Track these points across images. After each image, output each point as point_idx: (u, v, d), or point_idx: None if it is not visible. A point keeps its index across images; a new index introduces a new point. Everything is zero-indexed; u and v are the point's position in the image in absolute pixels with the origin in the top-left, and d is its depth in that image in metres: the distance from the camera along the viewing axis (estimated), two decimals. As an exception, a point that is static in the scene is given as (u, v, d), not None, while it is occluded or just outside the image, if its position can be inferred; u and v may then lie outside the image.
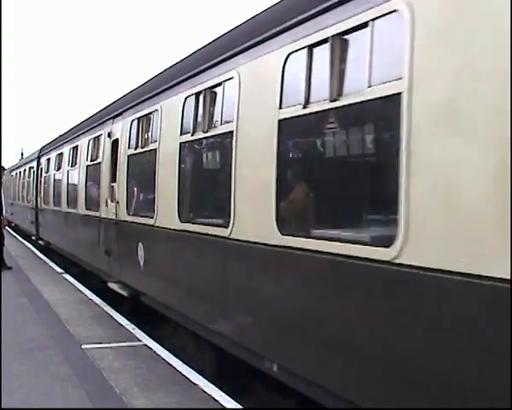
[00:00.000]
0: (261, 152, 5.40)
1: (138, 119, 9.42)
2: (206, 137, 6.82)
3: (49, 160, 19.30)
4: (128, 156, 9.77)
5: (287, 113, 5.03)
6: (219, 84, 6.54)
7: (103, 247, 11.20)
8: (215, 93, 6.81)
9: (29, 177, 24.41)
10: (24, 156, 40.99)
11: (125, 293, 9.96)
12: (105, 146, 11.47)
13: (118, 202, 10.20)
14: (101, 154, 11.79)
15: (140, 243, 8.97)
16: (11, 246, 20.75)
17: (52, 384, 6.35)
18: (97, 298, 11.62)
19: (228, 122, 6.19)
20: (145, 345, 8.07)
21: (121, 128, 10.35)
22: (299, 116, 4.87)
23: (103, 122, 11.81)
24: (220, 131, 6.42)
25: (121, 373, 6.79)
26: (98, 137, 12.23)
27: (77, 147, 14.55)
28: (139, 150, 9.28)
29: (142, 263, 8.93)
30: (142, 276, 9.04)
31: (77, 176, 14.03)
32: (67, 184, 15.48)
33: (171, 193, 7.65)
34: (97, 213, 11.78)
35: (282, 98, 5.09)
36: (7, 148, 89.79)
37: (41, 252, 20.12)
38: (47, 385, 6.34)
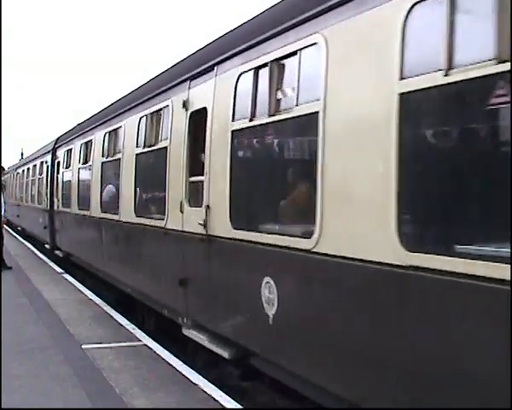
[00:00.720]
0: None
1: (256, 69, 5.64)
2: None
3: (69, 151, 15.49)
4: (233, 133, 6.00)
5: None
6: None
7: (175, 274, 7.43)
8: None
9: (41, 173, 20.62)
10: (24, 156, 37.69)
11: (224, 353, 6.20)
12: (175, 122, 7.68)
13: (208, 207, 6.44)
14: (166, 135, 8.00)
15: (268, 279, 5.22)
16: (11, 246, 20.35)
17: (52, 384, 6.31)
18: (97, 298, 11.42)
19: None
20: (145, 345, 7.99)
21: (212, 91, 6.58)
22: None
23: (171, 88, 8.01)
24: None
25: (121, 373, 6.73)
26: (159, 111, 8.45)
27: (117, 130, 10.76)
28: (261, 121, 5.51)
29: (271, 312, 5.19)
30: (270, 333, 5.30)
31: (118, 170, 10.21)
32: (101, 180, 11.64)
33: (372, 192, 3.94)
34: (160, 223, 8.01)
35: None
36: (7, 148, 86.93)
37: (41, 253, 19.22)
38: (47, 385, 6.30)
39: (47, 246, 18.78)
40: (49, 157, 18.74)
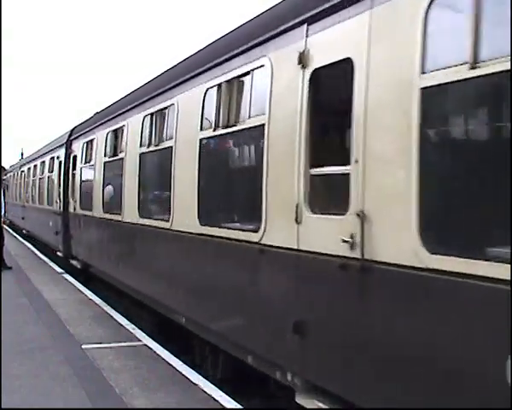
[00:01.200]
0: None
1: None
2: None
3: (90, 143, 13.06)
4: (423, 93, 3.55)
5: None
6: None
7: (280, 313, 5.01)
8: None
9: (51, 171, 18.17)
10: (24, 156, 35.40)
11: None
12: (277, 88, 5.21)
13: (363, 215, 4.00)
14: (260, 109, 5.53)
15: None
16: (11, 246, 20.17)
17: (52, 384, 6.29)
18: (97, 298, 11.42)
19: None
20: (145, 345, 7.95)
21: (366, 31, 4.08)
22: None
23: (266, 41, 5.52)
24: None
25: (121, 373, 6.70)
26: (241, 77, 6.00)
27: (163, 111, 8.33)
28: (501, 67, 3.09)
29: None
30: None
31: (168, 163, 7.75)
32: (139, 178, 9.20)
33: None
34: (250, 236, 5.57)
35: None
36: (7, 148, 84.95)
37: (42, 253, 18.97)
38: (47, 385, 6.28)
39: (59, 254, 16.30)
40: (62, 151, 16.28)
